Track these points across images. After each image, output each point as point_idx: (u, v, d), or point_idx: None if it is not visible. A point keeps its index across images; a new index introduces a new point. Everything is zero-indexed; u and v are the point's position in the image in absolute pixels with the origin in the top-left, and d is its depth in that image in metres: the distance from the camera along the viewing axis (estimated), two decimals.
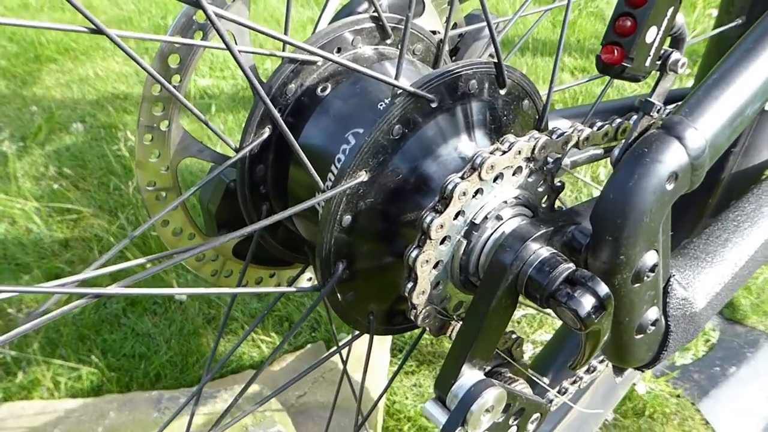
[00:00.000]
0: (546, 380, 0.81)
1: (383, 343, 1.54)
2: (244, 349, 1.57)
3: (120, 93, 2.51)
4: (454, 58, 0.79)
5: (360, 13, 0.72)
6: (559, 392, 0.85)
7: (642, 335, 0.63)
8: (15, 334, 0.47)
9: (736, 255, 0.77)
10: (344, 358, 0.77)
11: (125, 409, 1.31)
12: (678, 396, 1.56)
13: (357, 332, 0.65)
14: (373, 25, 0.62)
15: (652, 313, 0.62)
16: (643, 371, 0.69)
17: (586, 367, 0.88)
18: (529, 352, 1.59)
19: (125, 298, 1.67)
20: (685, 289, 0.69)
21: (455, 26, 0.77)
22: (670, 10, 0.46)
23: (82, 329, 1.59)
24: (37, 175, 2.06)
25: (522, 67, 2.58)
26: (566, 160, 0.65)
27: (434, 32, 0.75)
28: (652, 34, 0.46)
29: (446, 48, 0.68)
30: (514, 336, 0.67)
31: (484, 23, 0.72)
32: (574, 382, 0.87)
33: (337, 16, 0.73)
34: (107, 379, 1.49)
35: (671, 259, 0.76)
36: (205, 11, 0.39)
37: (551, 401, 0.80)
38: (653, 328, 0.63)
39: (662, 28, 0.46)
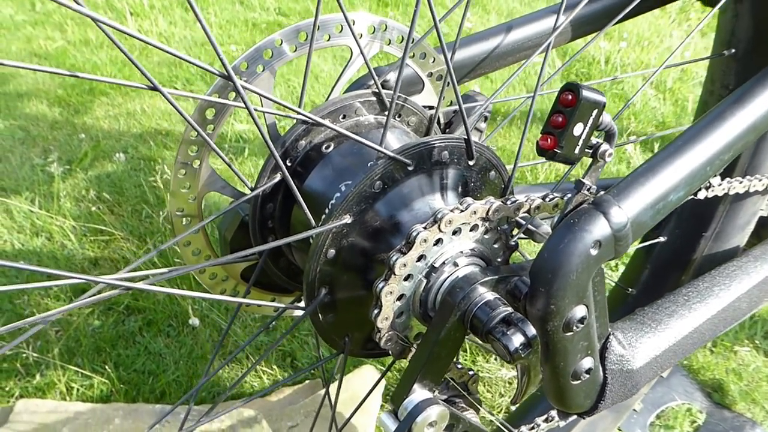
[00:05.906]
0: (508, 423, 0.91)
1: (377, 387, 1.63)
2: (247, 378, 1.67)
3: (162, 129, 2.70)
4: (447, 130, 0.92)
5: (369, 85, 0.87)
6: None
7: (578, 382, 0.72)
8: (57, 312, 0.60)
9: (680, 325, 0.87)
10: (325, 380, 0.87)
11: (129, 417, 1.42)
12: None
13: (335, 352, 0.76)
14: (374, 98, 0.76)
15: (587, 362, 0.71)
16: (584, 417, 0.79)
17: (544, 417, 0.98)
18: None
19: (143, 318, 1.80)
20: (624, 348, 0.78)
21: (452, 103, 0.91)
22: (595, 112, 0.58)
23: (100, 342, 1.71)
24: (78, 197, 2.24)
25: (536, 119, 2.69)
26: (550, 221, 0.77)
27: (431, 107, 0.89)
28: (579, 129, 0.58)
29: (435, 122, 0.81)
30: (471, 372, 0.77)
31: (472, 104, 0.85)
32: (532, 428, 0.96)
33: (352, 86, 0.87)
34: (116, 390, 1.60)
35: (621, 321, 0.86)
36: (234, 84, 0.53)
37: None
38: (588, 376, 0.72)
39: (588, 125, 0.58)
